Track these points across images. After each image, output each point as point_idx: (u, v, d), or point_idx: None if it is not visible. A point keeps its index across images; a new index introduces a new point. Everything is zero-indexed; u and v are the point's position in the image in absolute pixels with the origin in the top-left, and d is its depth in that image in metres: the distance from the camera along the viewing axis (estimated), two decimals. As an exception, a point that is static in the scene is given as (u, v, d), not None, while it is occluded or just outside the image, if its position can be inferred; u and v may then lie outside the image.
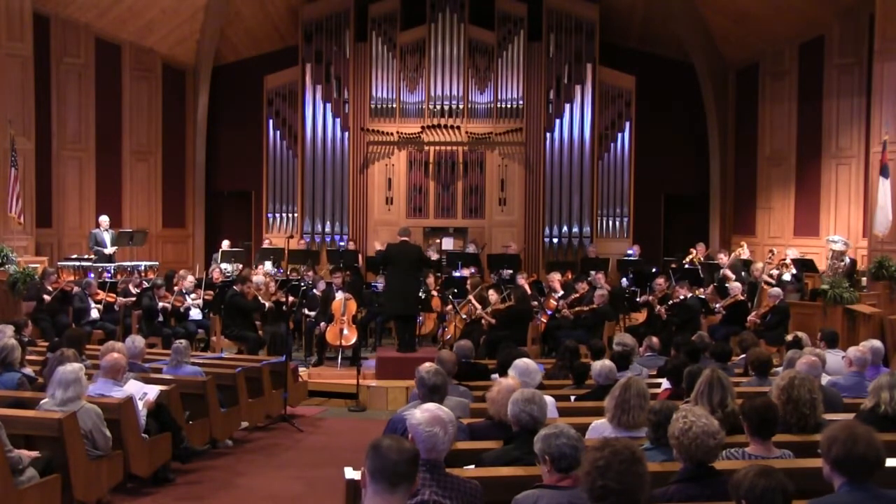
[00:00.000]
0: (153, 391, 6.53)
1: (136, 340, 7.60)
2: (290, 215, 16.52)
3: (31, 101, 13.63)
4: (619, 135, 16.32)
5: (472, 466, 4.22)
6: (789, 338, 8.24)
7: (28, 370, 7.10)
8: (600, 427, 4.74)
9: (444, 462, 3.41)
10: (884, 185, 11.51)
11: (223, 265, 13.87)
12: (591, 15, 16.07)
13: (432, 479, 3.31)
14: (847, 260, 11.59)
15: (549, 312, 11.57)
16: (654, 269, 13.85)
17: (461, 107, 16.15)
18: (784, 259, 13.01)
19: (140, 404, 6.31)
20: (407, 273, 9.99)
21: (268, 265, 14.10)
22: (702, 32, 15.80)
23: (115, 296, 11.67)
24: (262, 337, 10.91)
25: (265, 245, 15.50)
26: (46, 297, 10.98)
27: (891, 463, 3.95)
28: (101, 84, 15.37)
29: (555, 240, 16.24)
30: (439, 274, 12.91)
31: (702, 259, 14.20)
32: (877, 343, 7.05)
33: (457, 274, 13.04)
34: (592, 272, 12.67)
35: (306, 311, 11.39)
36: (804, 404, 4.62)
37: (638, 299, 12.50)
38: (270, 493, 6.58)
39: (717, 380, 4.78)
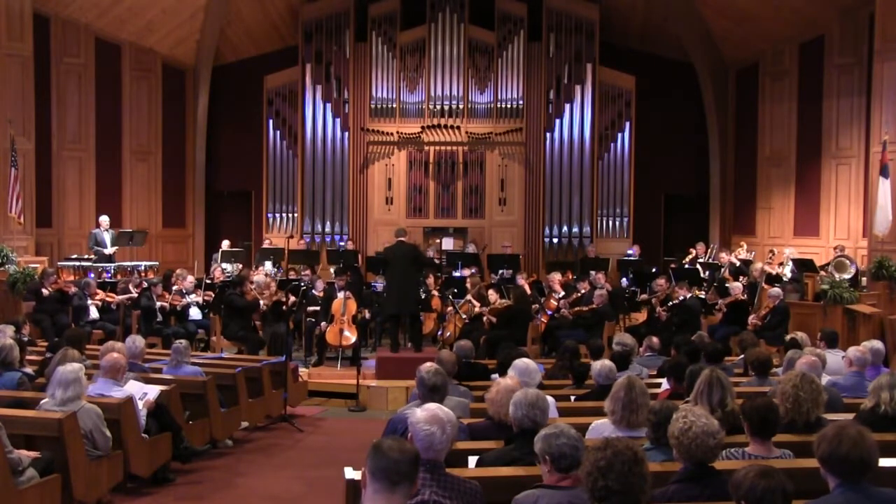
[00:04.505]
0: (153, 391, 6.52)
1: (136, 340, 7.59)
2: (290, 215, 16.52)
3: (31, 101, 13.63)
4: (619, 135, 16.32)
5: (476, 458, 4.23)
6: (789, 338, 8.24)
7: (28, 370, 7.10)
8: (600, 427, 4.74)
9: (444, 462, 3.41)
10: (884, 185, 11.51)
11: (223, 265, 13.87)
12: (591, 15, 16.08)
13: (432, 479, 3.31)
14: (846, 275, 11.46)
15: (550, 312, 11.56)
16: (654, 269, 13.87)
17: (461, 107, 16.15)
18: (781, 261, 13.05)
19: (140, 404, 6.31)
20: (404, 273, 10.01)
21: (268, 265, 14.09)
22: (702, 32, 15.81)
23: (114, 296, 11.67)
24: (262, 337, 10.92)
25: (265, 245, 15.49)
26: (45, 291, 10.96)
27: (891, 463, 3.96)
28: (101, 84, 15.37)
29: (555, 240, 16.25)
30: (440, 274, 12.91)
31: (701, 257, 14.22)
32: (877, 343, 7.05)
33: (457, 274, 13.04)
34: (592, 272, 12.67)
35: (309, 309, 11.38)
36: (802, 402, 4.64)
37: (643, 296, 12.48)
38: (270, 493, 6.58)
39: (716, 379, 4.79)
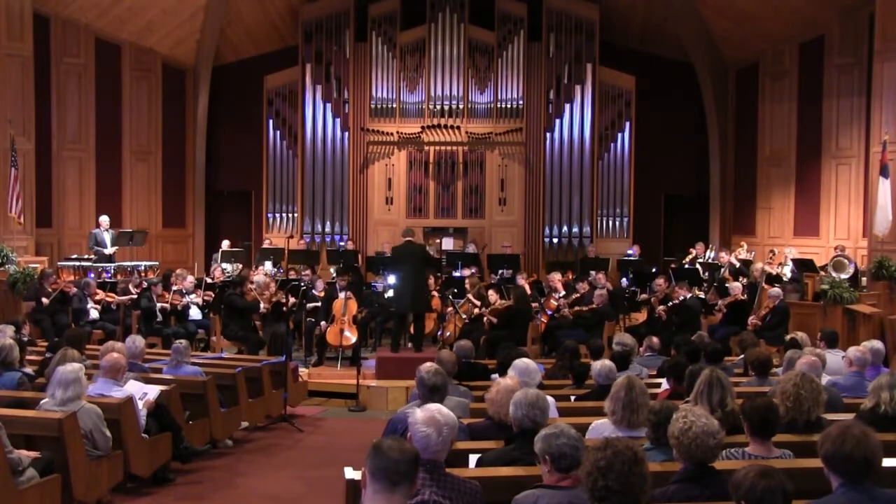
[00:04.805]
0: (153, 391, 6.52)
1: (136, 340, 7.59)
2: (290, 215, 16.52)
3: (31, 101, 13.63)
4: (619, 135, 16.33)
5: (476, 457, 4.23)
6: (789, 338, 8.23)
7: (28, 370, 7.10)
8: (600, 427, 4.74)
9: (444, 463, 3.41)
10: (884, 185, 11.51)
11: (223, 265, 13.87)
12: (591, 15, 16.08)
13: (432, 479, 3.31)
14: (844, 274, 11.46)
15: (550, 312, 11.57)
16: (654, 269, 13.87)
17: (461, 107, 16.15)
18: (781, 261, 13.07)
19: (140, 404, 6.31)
20: (414, 273, 10.04)
21: (268, 265, 14.10)
22: (702, 32, 15.81)
23: (114, 296, 11.67)
24: (262, 337, 10.92)
25: (265, 245, 15.49)
26: (45, 300, 10.96)
27: (892, 463, 3.95)
28: (101, 84, 15.37)
29: (555, 240, 16.25)
30: (440, 274, 12.92)
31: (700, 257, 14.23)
32: (877, 343, 7.04)
33: (457, 274, 13.04)
34: (592, 272, 12.67)
35: (309, 306, 11.38)
36: (804, 401, 4.65)
37: (643, 296, 12.49)
38: (270, 493, 6.58)
39: (716, 379, 4.79)
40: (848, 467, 3.09)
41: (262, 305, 10.94)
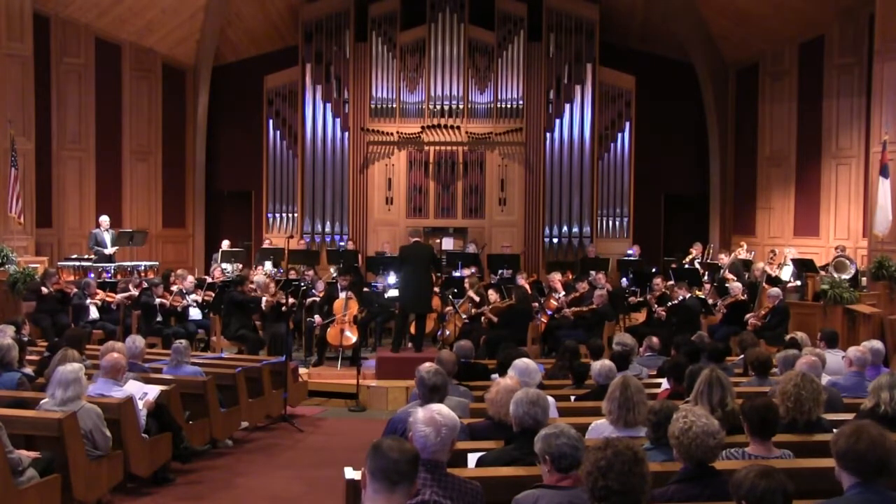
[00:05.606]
0: (153, 391, 6.53)
1: (136, 340, 7.59)
2: (290, 215, 16.52)
3: (31, 101, 13.63)
4: (619, 135, 16.32)
5: (476, 457, 4.23)
6: (789, 338, 8.22)
7: (28, 370, 7.10)
8: (600, 427, 4.74)
9: (445, 463, 3.41)
10: (884, 185, 11.51)
11: (223, 265, 13.87)
12: (591, 15, 16.08)
13: (433, 479, 3.31)
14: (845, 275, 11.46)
15: (550, 312, 11.57)
16: (653, 269, 13.87)
17: (461, 107, 16.15)
18: (782, 260, 13.08)
19: (140, 404, 6.31)
20: (422, 273, 10.07)
21: (268, 265, 14.10)
22: (702, 32, 15.81)
23: (114, 296, 11.67)
24: (262, 337, 10.92)
25: (265, 245, 15.49)
26: (44, 290, 10.97)
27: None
28: (101, 84, 15.37)
29: (555, 240, 16.25)
30: (440, 274, 12.92)
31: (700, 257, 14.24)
32: (877, 343, 7.04)
33: (457, 274, 13.04)
34: (592, 272, 12.67)
35: (307, 301, 11.38)
36: (804, 401, 4.65)
37: (633, 298, 12.51)
38: (270, 493, 6.58)
39: (716, 379, 4.79)
40: (861, 466, 3.06)
41: (264, 300, 10.92)
